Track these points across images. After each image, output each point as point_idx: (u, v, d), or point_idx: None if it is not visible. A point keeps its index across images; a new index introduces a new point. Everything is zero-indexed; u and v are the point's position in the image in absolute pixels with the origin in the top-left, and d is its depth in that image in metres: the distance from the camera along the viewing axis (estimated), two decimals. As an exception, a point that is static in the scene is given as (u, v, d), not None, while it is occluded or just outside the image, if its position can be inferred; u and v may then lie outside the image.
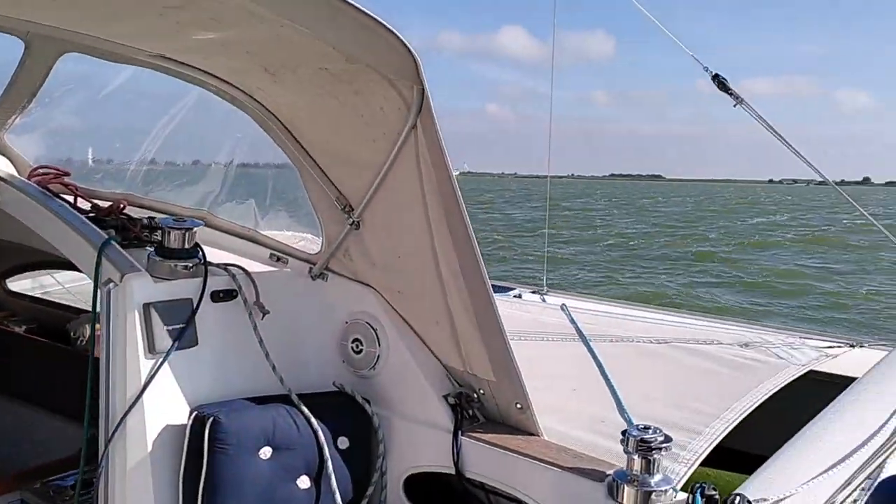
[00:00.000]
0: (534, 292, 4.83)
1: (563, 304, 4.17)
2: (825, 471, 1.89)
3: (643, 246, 20.58)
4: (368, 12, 1.68)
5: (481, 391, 2.23)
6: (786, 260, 19.71)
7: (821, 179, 4.15)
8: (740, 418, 2.73)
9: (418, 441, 2.28)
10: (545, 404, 2.69)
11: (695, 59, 3.91)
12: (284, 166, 2.40)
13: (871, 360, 3.17)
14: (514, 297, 4.78)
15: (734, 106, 3.83)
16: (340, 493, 2.09)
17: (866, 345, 3.63)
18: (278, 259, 2.55)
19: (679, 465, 2.34)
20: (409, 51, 1.77)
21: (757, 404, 2.87)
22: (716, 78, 3.85)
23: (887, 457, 2.00)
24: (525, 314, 4.19)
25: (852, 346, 3.63)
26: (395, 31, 1.73)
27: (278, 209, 2.74)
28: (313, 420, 2.13)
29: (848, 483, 1.90)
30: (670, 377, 3.21)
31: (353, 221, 2.26)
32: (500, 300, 4.56)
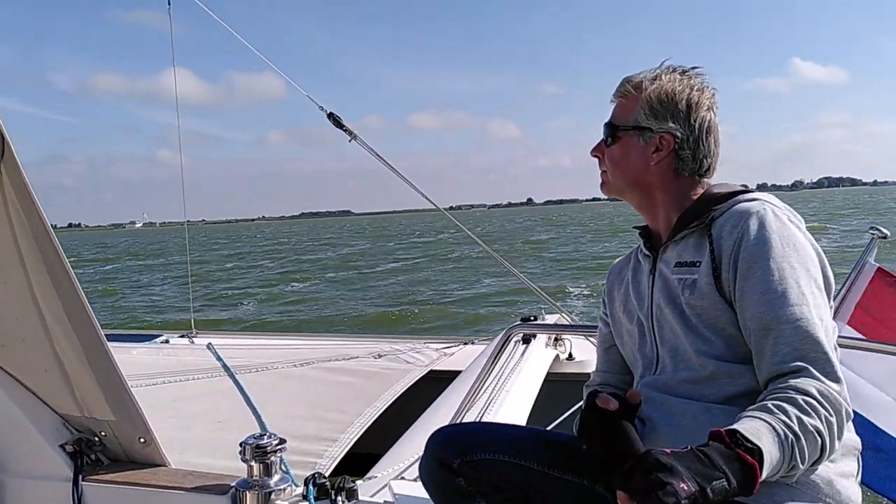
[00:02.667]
0: (182, 336, 4.77)
1: (210, 344, 4.20)
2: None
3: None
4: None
5: (102, 433, 2.20)
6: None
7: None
8: (370, 422, 3.03)
9: (37, 498, 2.16)
10: (189, 442, 2.72)
11: (310, 98, 4.23)
12: None
13: (477, 353, 3.74)
14: (162, 342, 4.68)
15: (349, 141, 4.23)
16: (-57, 571, 1.91)
17: (476, 341, 4.26)
18: None
19: (317, 472, 2.54)
20: None
21: (385, 407, 3.21)
22: (331, 116, 4.22)
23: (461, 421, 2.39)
24: (171, 358, 4.14)
25: (465, 343, 4.24)
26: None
27: None
28: None
29: None
30: (312, 394, 3.44)
31: (-63, 276, 2.08)
32: (145, 347, 4.47)
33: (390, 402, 3.28)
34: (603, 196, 1.72)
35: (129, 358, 4.13)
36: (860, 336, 2.32)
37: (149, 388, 3.43)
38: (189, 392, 3.49)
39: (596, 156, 1.63)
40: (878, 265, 2.47)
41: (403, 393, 3.43)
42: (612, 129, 1.57)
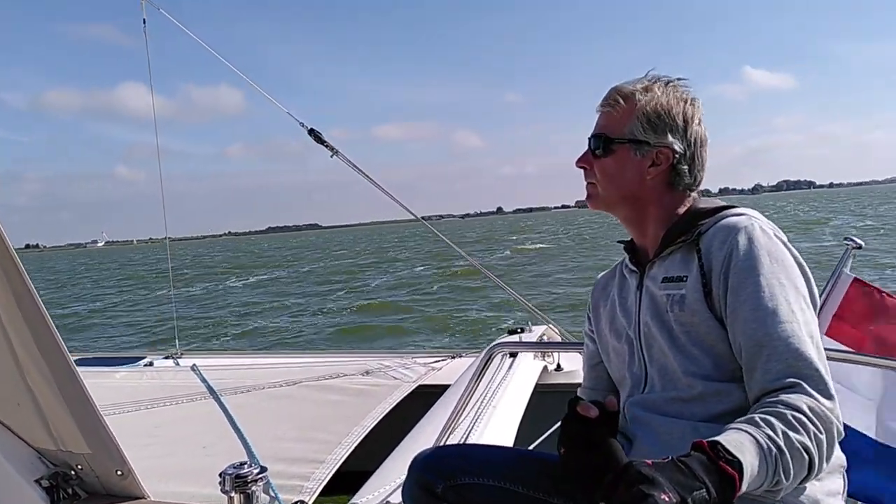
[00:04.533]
0: (167, 357, 4.70)
1: (194, 365, 4.14)
2: None
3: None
4: None
5: (79, 466, 2.15)
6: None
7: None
8: (358, 441, 2.98)
9: None
10: (172, 469, 2.67)
11: (290, 115, 4.20)
12: None
13: (465, 366, 3.70)
14: (146, 365, 4.61)
15: (331, 157, 4.19)
16: None
17: (464, 354, 4.22)
18: None
19: (304, 495, 2.49)
20: None
21: (373, 425, 3.16)
22: (312, 132, 4.18)
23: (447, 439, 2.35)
24: (155, 381, 4.08)
25: (454, 357, 4.20)
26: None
27: None
28: None
29: None
30: (299, 415, 3.39)
31: None
32: (128, 370, 4.40)
33: (378, 419, 3.23)
34: (571, 204, 1.65)
35: (111, 382, 4.07)
36: (838, 346, 2.30)
37: (131, 413, 3.37)
38: (173, 417, 3.43)
39: (582, 167, 1.56)
40: (853, 275, 2.46)
41: (393, 409, 3.38)
42: (605, 140, 1.51)
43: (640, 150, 1.48)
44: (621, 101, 1.50)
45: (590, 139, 1.54)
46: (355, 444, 2.95)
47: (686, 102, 1.50)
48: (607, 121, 1.52)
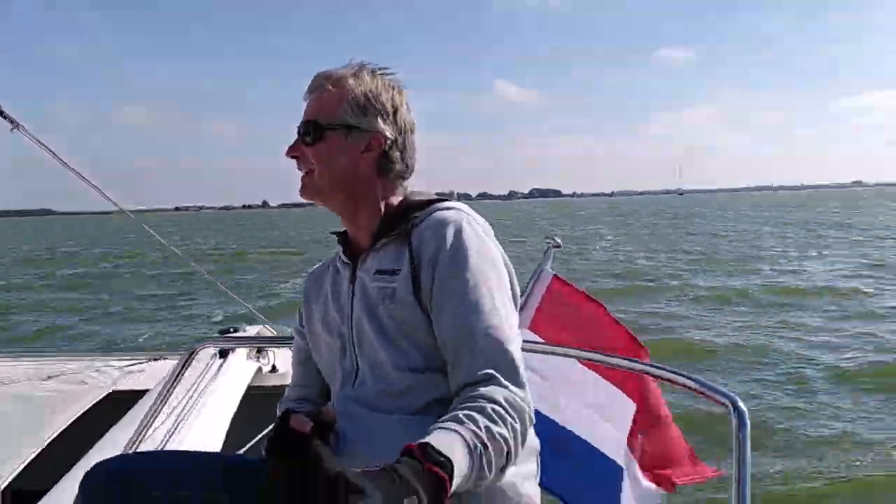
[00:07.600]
0: None
1: None
2: None
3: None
4: None
5: None
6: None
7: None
8: (32, 456, 2.59)
9: None
10: None
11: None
12: None
13: (168, 369, 3.38)
14: None
15: (11, 131, 3.61)
16: None
17: (167, 357, 3.87)
18: None
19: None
20: None
21: (53, 436, 2.76)
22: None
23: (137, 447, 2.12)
24: None
25: (155, 359, 3.83)
26: None
27: None
28: None
29: None
30: None
31: None
32: None
33: (60, 430, 2.83)
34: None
35: None
36: (540, 339, 2.47)
37: None
38: None
39: (294, 156, 1.49)
40: (553, 273, 2.67)
41: (81, 419, 2.98)
42: (317, 126, 1.45)
43: (352, 136, 1.45)
44: (330, 86, 1.47)
45: (299, 126, 1.49)
46: (29, 460, 2.56)
47: (394, 90, 1.50)
48: (318, 106, 1.47)
